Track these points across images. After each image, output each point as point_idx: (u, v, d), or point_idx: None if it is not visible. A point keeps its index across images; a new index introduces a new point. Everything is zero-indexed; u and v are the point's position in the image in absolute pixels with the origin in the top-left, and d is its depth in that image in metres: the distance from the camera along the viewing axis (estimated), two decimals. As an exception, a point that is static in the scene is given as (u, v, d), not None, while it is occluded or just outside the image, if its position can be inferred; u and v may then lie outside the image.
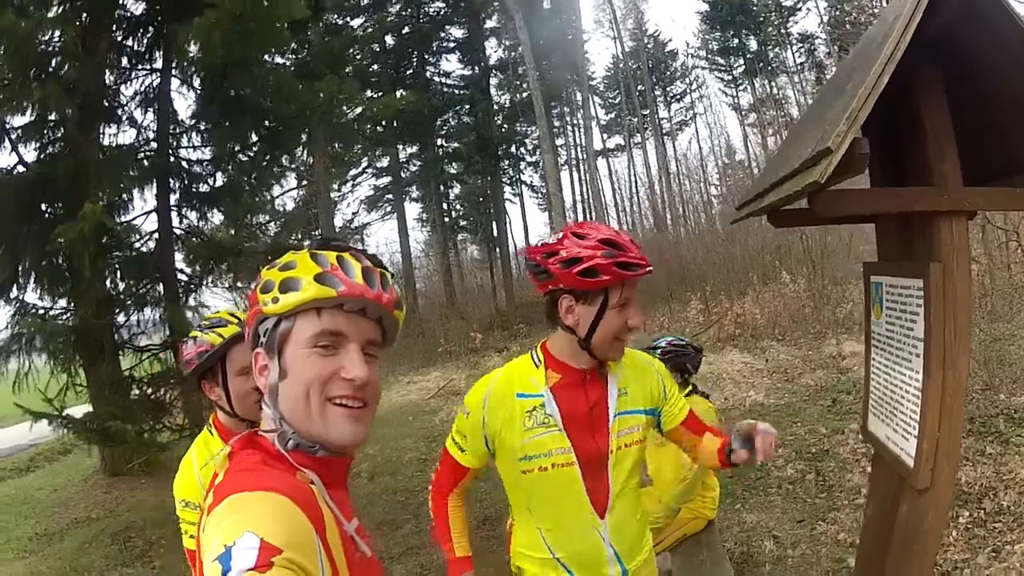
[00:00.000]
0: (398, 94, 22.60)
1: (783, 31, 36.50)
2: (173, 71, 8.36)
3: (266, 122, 8.92)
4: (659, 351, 4.25)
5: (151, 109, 8.92)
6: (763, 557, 4.98)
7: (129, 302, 8.74)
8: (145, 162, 8.43)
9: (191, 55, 7.47)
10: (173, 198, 9.22)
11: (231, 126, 9.10)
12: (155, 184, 8.82)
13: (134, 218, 8.98)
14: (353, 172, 29.93)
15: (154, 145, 8.94)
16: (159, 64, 8.80)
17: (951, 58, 2.46)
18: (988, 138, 2.64)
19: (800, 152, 2.27)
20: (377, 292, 1.37)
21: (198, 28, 6.91)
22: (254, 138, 9.25)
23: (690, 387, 4.24)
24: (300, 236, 24.74)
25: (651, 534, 2.55)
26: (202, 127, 9.36)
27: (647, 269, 2.08)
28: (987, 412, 6.26)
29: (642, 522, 2.44)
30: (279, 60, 11.29)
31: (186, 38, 7.02)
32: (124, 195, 8.48)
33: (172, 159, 9.05)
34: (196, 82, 8.87)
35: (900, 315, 2.75)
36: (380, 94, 25.95)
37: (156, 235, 8.94)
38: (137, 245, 8.69)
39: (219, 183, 9.52)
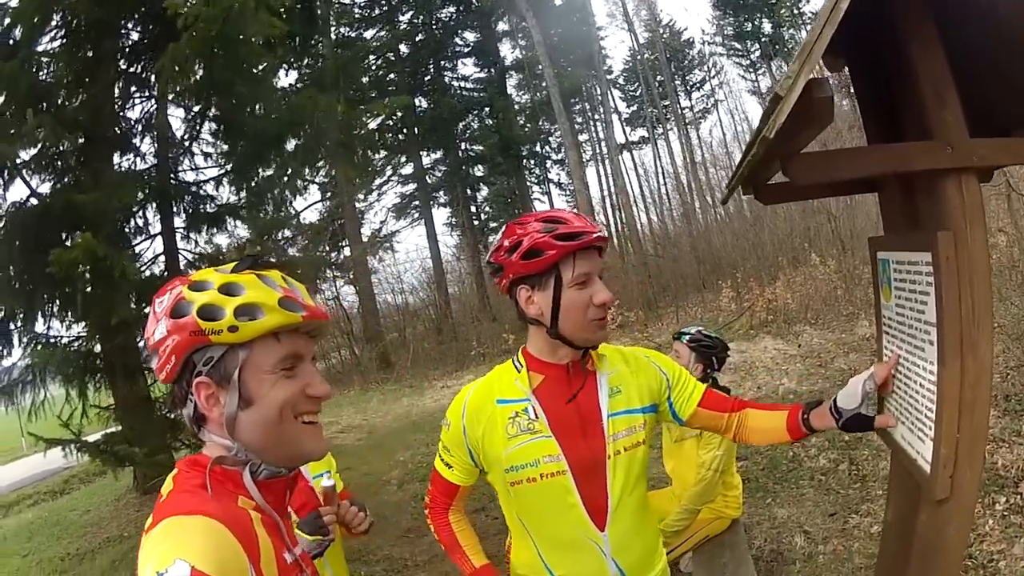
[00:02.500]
0: (385, 101, 22.64)
1: (796, 11, 35.95)
2: (170, 95, 8.33)
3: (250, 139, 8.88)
4: (688, 336, 4.11)
5: (150, 134, 8.91)
6: (793, 554, 4.72)
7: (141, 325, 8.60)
8: (145, 187, 8.41)
9: (173, 80, 7.41)
10: (179, 220, 9.22)
11: (226, 145, 9.06)
12: (156, 208, 8.83)
13: (139, 243, 8.97)
14: (378, 181, 29.95)
15: (154, 171, 8.94)
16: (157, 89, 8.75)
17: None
18: (994, 85, 2.28)
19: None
20: (325, 311, 1.43)
21: (174, 53, 6.88)
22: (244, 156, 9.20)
23: (710, 381, 4.05)
24: (327, 248, 25.18)
25: (664, 545, 2.33)
26: (195, 150, 9.32)
27: (595, 236, 1.91)
28: (1023, 390, 5.96)
29: (652, 534, 2.22)
30: (289, 78, 11.28)
31: (169, 63, 6.96)
32: (126, 221, 8.48)
33: (173, 181, 9.00)
34: (187, 105, 8.86)
35: (910, 296, 2.35)
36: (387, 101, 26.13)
37: (163, 258, 8.93)
38: (143, 269, 8.69)
39: (224, 202, 9.46)
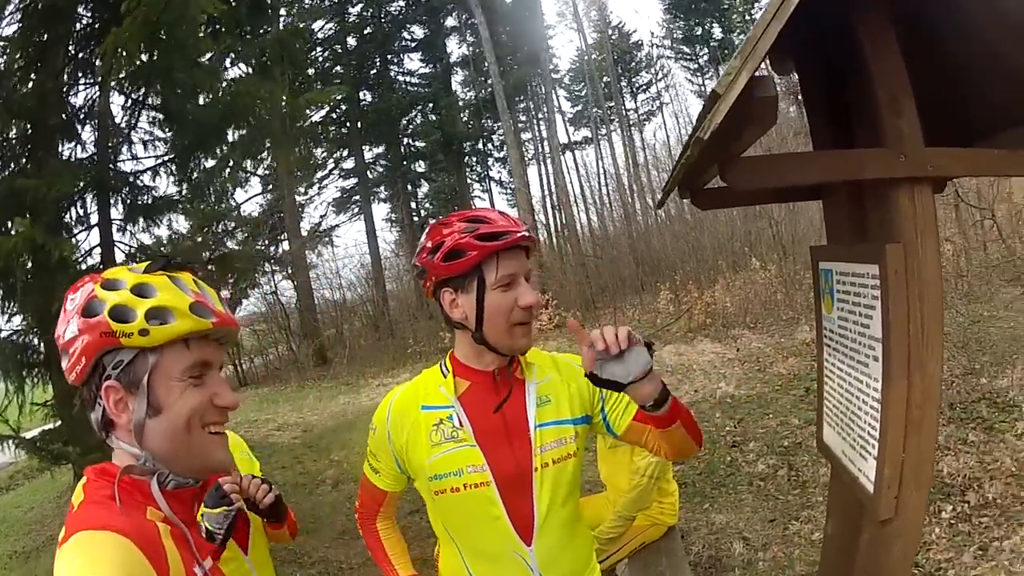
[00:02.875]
0: (317, 86, 22.46)
1: (748, 16, 36.40)
2: (112, 82, 8.09)
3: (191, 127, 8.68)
4: None
5: (91, 122, 8.65)
6: (732, 561, 4.71)
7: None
8: (85, 176, 8.16)
9: (116, 66, 7.21)
10: (117, 211, 8.95)
11: (167, 134, 8.88)
12: (93, 197, 8.55)
13: (78, 232, 8.69)
14: (319, 175, 29.66)
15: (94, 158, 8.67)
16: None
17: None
18: (956, 92, 2.22)
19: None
20: (233, 317, 1.40)
21: (116, 38, 6.63)
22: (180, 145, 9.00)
23: None
24: (266, 242, 24.81)
25: (599, 553, 2.25)
26: (135, 139, 9.08)
27: (519, 235, 1.84)
28: (968, 398, 6.05)
29: (583, 547, 2.13)
30: (236, 70, 11.01)
31: (111, 47, 6.75)
32: (65, 210, 8.22)
33: (112, 171, 8.75)
34: (128, 92, 8.63)
35: (853, 309, 2.30)
36: (342, 95, 25.91)
37: (99, 250, 8.67)
38: (80, 261, 8.43)
39: (163, 193, 9.23)
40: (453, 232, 1.85)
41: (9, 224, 6.37)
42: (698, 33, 38.08)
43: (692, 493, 5.96)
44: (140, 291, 1.28)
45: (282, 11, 22.55)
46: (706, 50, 38.85)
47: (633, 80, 41.79)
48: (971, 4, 1.93)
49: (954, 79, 2.21)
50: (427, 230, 1.95)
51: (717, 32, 38.07)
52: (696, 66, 40.33)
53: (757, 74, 1.57)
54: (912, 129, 2.02)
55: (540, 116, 37.16)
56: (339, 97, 26.17)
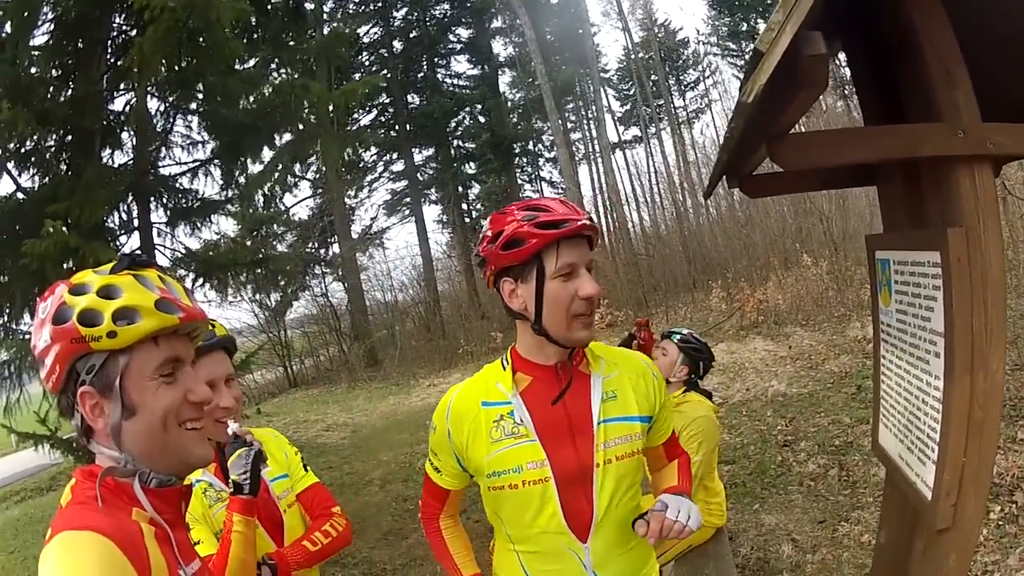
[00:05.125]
0: (356, 77, 22.62)
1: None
2: (149, 87, 8.19)
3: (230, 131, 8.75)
4: (679, 336, 3.95)
5: (129, 127, 8.76)
6: (780, 564, 4.60)
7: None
8: (125, 180, 8.26)
9: (144, 72, 7.29)
10: (157, 216, 9.10)
11: (207, 138, 8.97)
12: (133, 202, 8.67)
13: (118, 236, 8.79)
14: (369, 178, 29.90)
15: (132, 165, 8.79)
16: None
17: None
18: (1006, 62, 2.05)
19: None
20: (201, 310, 1.39)
21: (141, 46, 6.74)
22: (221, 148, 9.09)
23: (690, 385, 3.91)
24: (316, 245, 25.06)
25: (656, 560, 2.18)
26: (172, 142, 9.20)
27: (580, 224, 1.79)
28: (1018, 394, 5.85)
29: (643, 549, 2.06)
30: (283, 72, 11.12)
31: (136, 55, 6.82)
32: (108, 215, 8.32)
33: (152, 175, 8.85)
34: (164, 96, 8.74)
35: (913, 301, 2.14)
36: (390, 98, 26.09)
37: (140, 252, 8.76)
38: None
39: (205, 196, 9.33)
40: (513, 220, 1.83)
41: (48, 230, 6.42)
42: (743, 29, 37.57)
43: (742, 494, 5.85)
44: (106, 293, 1.27)
45: (325, 16, 22.74)
46: (752, 45, 38.42)
47: (681, 78, 41.40)
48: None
49: (999, 54, 2.07)
50: (489, 219, 1.94)
51: (762, 28, 37.62)
52: (743, 62, 39.84)
53: (803, 30, 1.44)
54: (968, 103, 1.88)
55: (589, 115, 37.06)
56: (382, 86, 26.38)
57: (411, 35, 29.41)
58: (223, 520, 2.07)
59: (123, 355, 1.26)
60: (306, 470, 2.58)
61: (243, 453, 2.01)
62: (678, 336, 3.96)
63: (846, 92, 19.69)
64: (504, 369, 1.99)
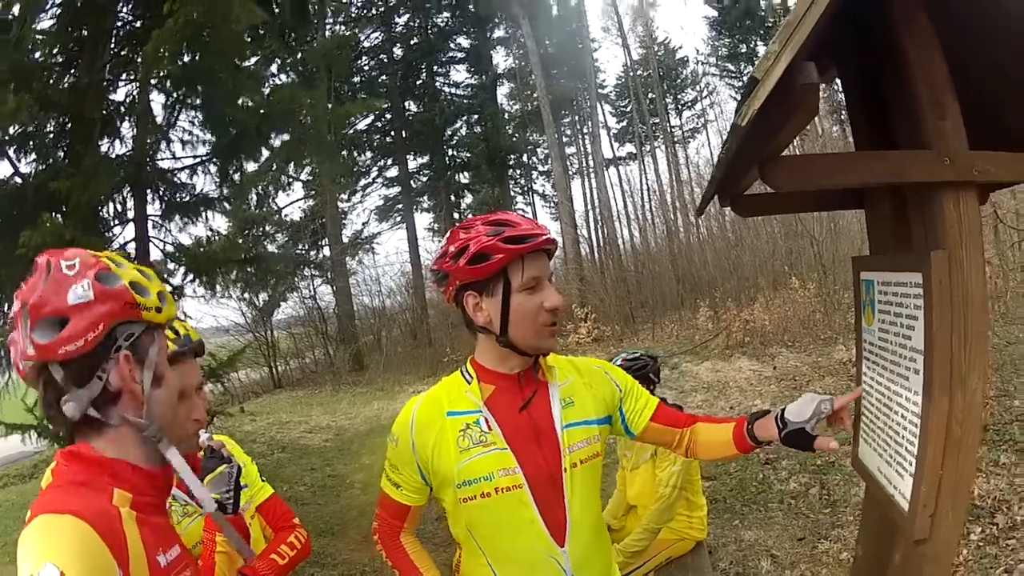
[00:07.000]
0: (362, 96, 22.68)
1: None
2: (151, 80, 8.19)
3: (230, 130, 8.75)
4: (617, 362, 3.96)
5: (130, 118, 8.76)
6: (759, 578, 4.66)
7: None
8: (122, 171, 8.25)
9: (157, 65, 7.31)
10: (153, 208, 9.07)
11: (208, 134, 9.00)
12: (130, 193, 8.64)
13: (112, 227, 8.79)
14: (363, 182, 29.84)
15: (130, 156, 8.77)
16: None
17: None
18: (998, 90, 2.13)
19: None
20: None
21: (158, 39, 6.75)
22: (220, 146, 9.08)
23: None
24: (306, 247, 25.00)
25: (626, 566, 2.23)
26: (173, 137, 9.17)
27: (543, 239, 1.85)
28: (1001, 419, 5.94)
29: (608, 550, 2.13)
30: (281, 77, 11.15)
31: (153, 48, 6.84)
32: (103, 205, 8.31)
33: (149, 168, 8.85)
34: (168, 90, 8.73)
35: (895, 320, 2.22)
36: (387, 104, 26.14)
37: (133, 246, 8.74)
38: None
39: (201, 192, 9.32)
40: (478, 236, 1.85)
41: (44, 217, 6.41)
42: (743, 51, 37.75)
43: (722, 509, 5.90)
44: (142, 273, 1.37)
45: (328, 19, 22.77)
46: (750, 68, 38.53)
47: (678, 97, 41.54)
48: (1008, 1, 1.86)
49: (992, 80, 2.14)
50: (448, 235, 1.95)
51: (761, 50, 37.75)
52: (740, 84, 39.97)
53: (797, 60, 1.52)
54: (956, 130, 1.95)
55: (585, 130, 37.13)
56: (385, 106, 26.35)
57: (412, 42, 29.38)
58: (193, 535, 2.10)
59: (156, 330, 1.37)
60: (263, 480, 2.61)
61: (225, 471, 2.02)
62: (617, 362, 3.99)
63: (842, 117, 19.86)
64: (468, 381, 2.02)
